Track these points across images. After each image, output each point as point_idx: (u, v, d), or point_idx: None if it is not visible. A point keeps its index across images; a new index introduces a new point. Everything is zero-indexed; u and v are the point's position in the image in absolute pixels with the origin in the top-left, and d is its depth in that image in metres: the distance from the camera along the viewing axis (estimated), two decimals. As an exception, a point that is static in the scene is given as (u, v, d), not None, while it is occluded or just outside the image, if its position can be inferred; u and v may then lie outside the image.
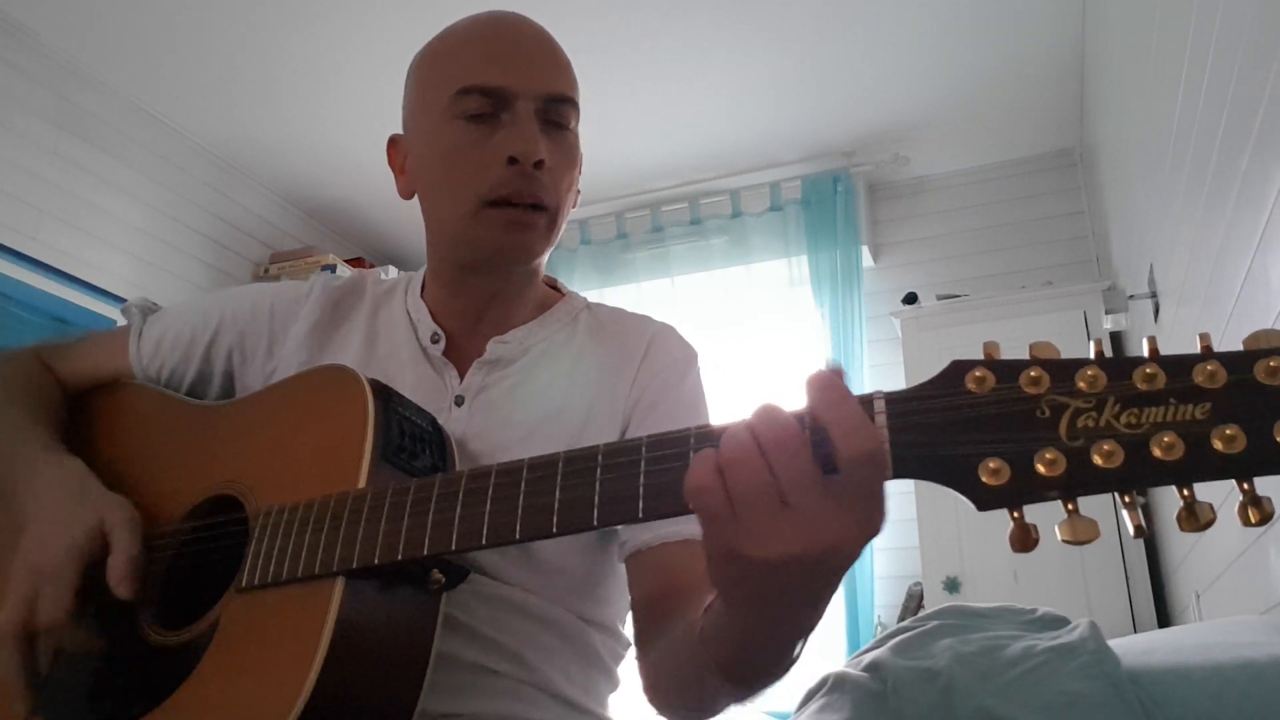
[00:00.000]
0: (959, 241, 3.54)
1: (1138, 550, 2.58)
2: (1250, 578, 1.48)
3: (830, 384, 0.50)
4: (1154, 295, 2.13)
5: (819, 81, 3.08)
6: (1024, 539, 0.48)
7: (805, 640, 0.59)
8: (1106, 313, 2.48)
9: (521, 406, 0.88)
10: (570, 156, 0.88)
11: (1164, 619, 2.50)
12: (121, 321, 1.02)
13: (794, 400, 0.53)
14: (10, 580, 0.75)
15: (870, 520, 0.49)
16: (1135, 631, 2.41)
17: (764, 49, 2.90)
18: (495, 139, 0.83)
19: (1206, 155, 1.47)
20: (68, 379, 0.98)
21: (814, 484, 0.49)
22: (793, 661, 0.60)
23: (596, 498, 0.56)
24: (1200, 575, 1.97)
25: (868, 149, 3.46)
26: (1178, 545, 2.28)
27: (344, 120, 3.21)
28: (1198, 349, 0.45)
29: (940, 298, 3.14)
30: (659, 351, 0.92)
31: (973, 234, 3.53)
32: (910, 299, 3.17)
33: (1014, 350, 0.50)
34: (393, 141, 0.95)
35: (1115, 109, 2.49)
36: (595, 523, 0.56)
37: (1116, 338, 2.76)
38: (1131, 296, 2.30)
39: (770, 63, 2.97)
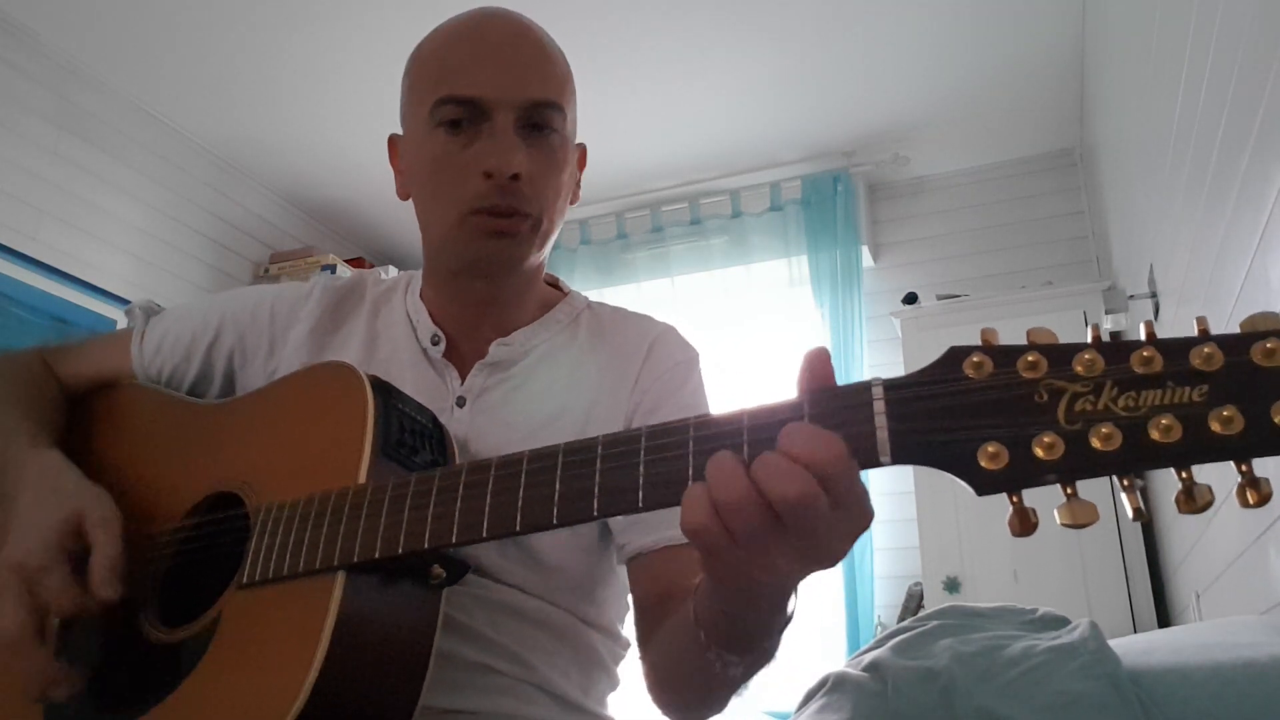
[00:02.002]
0: (959, 241, 3.54)
1: (1138, 550, 2.58)
2: (1250, 578, 1.48)
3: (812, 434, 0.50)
4: (1154, 295, 2.13)
5: (819, 81, 3.08)
6: (1023, 523, 0.48)
7: (797, 596, 0.60)
8: (1106, 313, 2.49)
9: (522, 409, 0.88)
10: (553, 161, 0.86)
11: (1164, 619, 2.50)
12: (123, 322, 1.02)
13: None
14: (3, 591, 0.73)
15: (862, 520, 0.51)
16: (1135, 631, 2.41)
17: (764, 49, 2.90)
18: (472, 151, 0.83)
19: (1206, 155, 1.47)
20: (70, 380, 0.98)
21: (819, 515, 0.49)
22: (789, 620, 0.61)
23: (596, 488, 0.56)
24: (1200, 575, 1.97)
25: (868, 149, 3.46)
26: (1178, 545, 2.28)
27: (344, 120, 3.21)
28: (1195, 333, 0.45)
29: (940, 298, 3.14)
30: (660, 355, 0.92)
31: (973, 234, 3.53)
32: (910, 299, 3.17)
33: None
34: (391, 141, 0.95)
35: (1115, 109, 2.49)
36: (596, 513, 0.56)
37: (1116, 338, 2.76)
38: (1131, 296, 2.30)
39: (770, 63, 2.97)
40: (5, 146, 2.69)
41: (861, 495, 0.50)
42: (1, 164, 2.68)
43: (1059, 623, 1.10)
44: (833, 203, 3.51)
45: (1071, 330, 2.66)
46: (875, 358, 3.45)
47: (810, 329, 3.55)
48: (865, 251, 3.52)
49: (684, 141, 3.42)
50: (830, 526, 0.50)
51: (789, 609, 0.60)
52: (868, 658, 1.09)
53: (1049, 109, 3.23)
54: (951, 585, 2.73)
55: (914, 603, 2.97)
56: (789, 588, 0.57)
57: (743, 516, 0.49)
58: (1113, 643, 1.01)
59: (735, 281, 3.74)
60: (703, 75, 3.02)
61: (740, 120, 3.29)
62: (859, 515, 0.51)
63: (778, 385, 3.54)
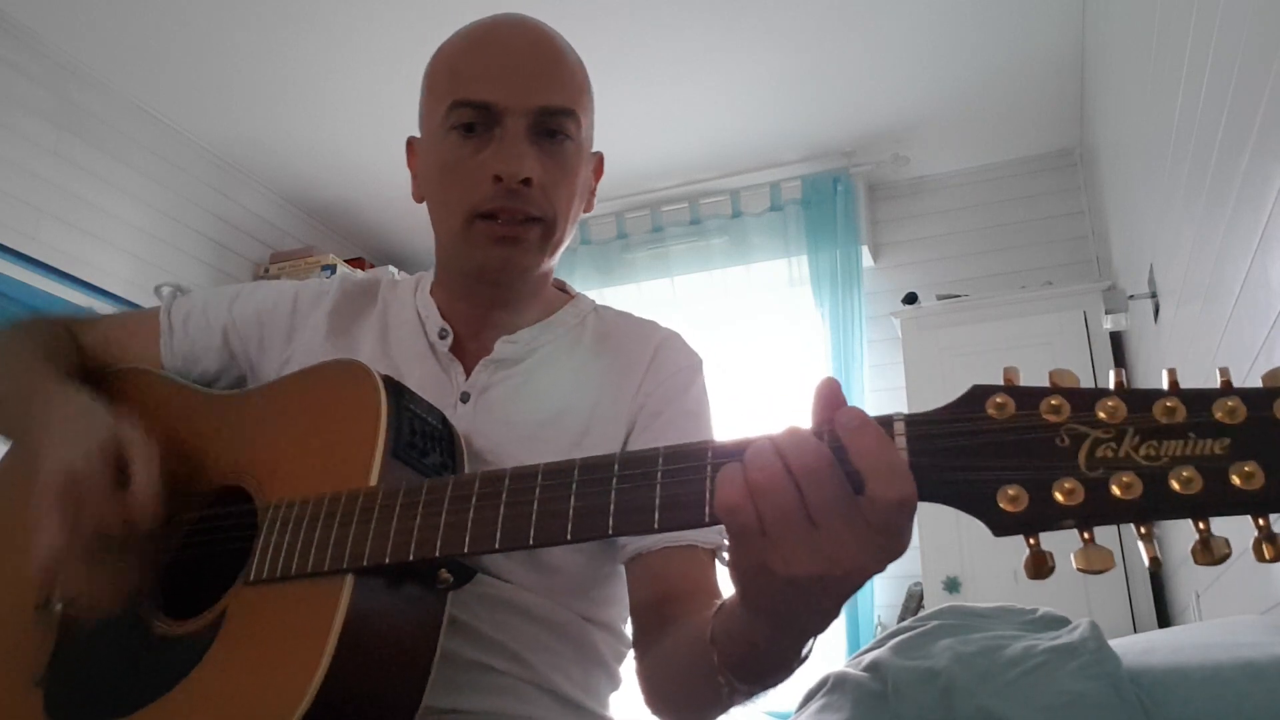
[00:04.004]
0: (959, 241, 3.54)
1: (1138, 550, 2.57)
2: (1250, 578, 1.48)
3: (863, 426, 0.50)
4: (1154, 295, 2.13)
5: (819, 81, 3.08)
6: (1039, 567, 0.48)
7: (815, 639, 0.60)
8: (1106, 313, 2.48)
9: (525, 407, 0.89)
10: (566, 167, 0.87)
11: (1164, 619, 2.50)
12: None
13: (800, 405, 0.53)
14: (41, 501, 0.72)
15: (895, 547, 0.51)
16: (1135, 631, 2.41)
17: (764, 49, 2.90)
18: (483, 155, 0.83)
19: (1206, 155, 1.47)
20: (93, 349, 0.98)
21: (844, 509, 0.49)
22: (803, 659, 0.61)
23: (612, 507, 0.56)
24: (1200, 575, 1.97)
25: (868, 149, 3.46)
26: (1178, 545, 2.28)
27: (344, 120, 3.21)
28: (1218, 383, 0.45)
29: (940, 298, 3.14)
30: (664, 360, 0.93)
31: (973, 234, 3.53)
32: (910, 299, 3.17)
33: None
34: (410, 143, 0.96)
35: (1115, 109, 2.49)
36: (610, 531, 0.56)
37: (1116, 338, 2.76)
38: (1131, 296, 2.30)
39: (770, 63, 2.97)
40: (5, 146, 2.69)
41: (895, 521, 0.49)
42: (1, 164, 2.68)
43: (1059, 623, 1.10)
44: (833, 203, 3.51)
45: (1071, 330, 2.66)
46: (875, 358, 3.45)
47: (810, 329, 3.55)
48: (865, 251, 3.52)
49: (684, 141, 3.42)
50: (849, 535, 0.50)
51: (806, 650, 0.60)
52: (868, 658, 1.09)
53: (1049, 109, 3.23)
54: (951, 585, 2.73)
55: (914, 603, 2.97)
56: (807, 618, 0.56)
57: (775, 497, 0.50)
58: (1113, 643, 1.01)
59: (735, 281, 3.74)
60: (703, 75, 3.02)
61: (740, 120, 3.29)
62: (892, 536, 0.50)
63: (777, 386, 3.54)
